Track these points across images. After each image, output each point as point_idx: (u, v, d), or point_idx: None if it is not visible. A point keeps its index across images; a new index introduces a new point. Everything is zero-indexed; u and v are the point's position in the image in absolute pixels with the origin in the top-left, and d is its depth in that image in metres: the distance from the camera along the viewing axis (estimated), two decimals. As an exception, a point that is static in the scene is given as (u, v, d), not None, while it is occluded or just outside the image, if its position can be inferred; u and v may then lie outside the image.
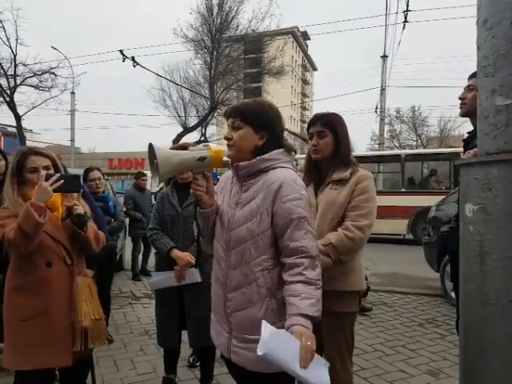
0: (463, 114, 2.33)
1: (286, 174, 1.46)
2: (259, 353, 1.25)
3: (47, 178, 1.85)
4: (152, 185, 6.36)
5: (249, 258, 1.44)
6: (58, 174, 1.89)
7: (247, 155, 1.50)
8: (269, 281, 1.43)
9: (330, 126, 1.99)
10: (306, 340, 1.27)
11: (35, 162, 1.99)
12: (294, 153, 1.60)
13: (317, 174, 2.05)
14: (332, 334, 1.93)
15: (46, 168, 1.99)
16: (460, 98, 2.31)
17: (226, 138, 1.52)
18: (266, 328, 1.31)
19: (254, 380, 1.49)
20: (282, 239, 1.42)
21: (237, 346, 1.48)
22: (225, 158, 1.49)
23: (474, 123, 2.28)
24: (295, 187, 1.44)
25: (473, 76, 2.25)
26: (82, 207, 1.98)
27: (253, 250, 1.44)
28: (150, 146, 1.43)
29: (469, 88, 2.24)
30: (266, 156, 1.48)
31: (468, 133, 2.37)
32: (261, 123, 1.49)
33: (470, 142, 2.30)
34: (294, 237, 1.40)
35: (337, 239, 1.85)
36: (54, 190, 1.84)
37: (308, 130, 2.07)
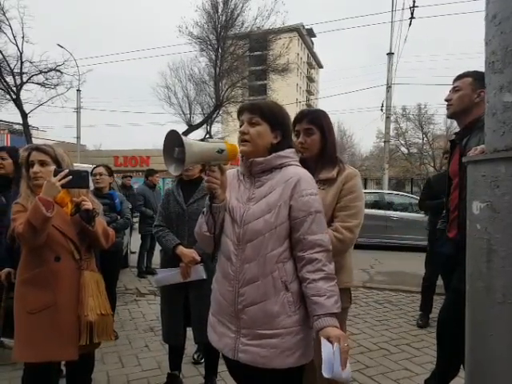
0: (450, 115, 2.32)
1: (302, 171, 1.54)
2: (327, 376, 1.28)
3: (55, 173, 1.88)
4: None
5: (265, 251, 1.45)
6: (67, 170, 1.92)
7: (261, 152, 1.54)
8: (284, 273, 1.46)
9: (318, 123, 1.93)
10: (343, 342, 1.32)
11: (34, 156, 2.06)
12: (300, 154, 1.71)
13: None
14: None
15: (41, 162, 2.04)
16: (446, 100, 2.29)
17: (242, 133, 1.53)
18: (327, 348, 1.32)
19: (265, 378, 1.47)
20: (299, 232, 1.46)
21: (247, 344, 1.46)
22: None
23: (460, 124, 2.28)
24: (312, 183, 1.52)
25: (459, 77, 2.24)
26: (90, 203, 2.02)
27: (270, 243, 1.46)
28: (174, 133, 1.40)
29: (455, 89, 2.23)
30: (281, 153, 1.54)
31: (455, 133, 2.35)
32: (277, 122, 1.55)
33: (456, 143, 2.29)
34: (312, 230, 1.45)
35: None
36: (63, 186, 1.88)
37: (294, 126, 1.96)
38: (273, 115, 1.55)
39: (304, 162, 1.90)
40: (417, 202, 5.62)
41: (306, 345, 1.48)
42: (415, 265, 6.53)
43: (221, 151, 1.46)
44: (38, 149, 2.09)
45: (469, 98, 2.16)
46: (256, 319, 1.45)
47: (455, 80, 2.27)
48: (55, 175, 1.87)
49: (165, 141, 1.42)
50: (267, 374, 1.45)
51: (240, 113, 1.59)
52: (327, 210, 1.85)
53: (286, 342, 1.43)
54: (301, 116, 1.97)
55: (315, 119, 1.94)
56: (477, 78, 2.12)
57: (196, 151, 1.39)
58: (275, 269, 1.45)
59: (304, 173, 1.54)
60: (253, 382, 1.57)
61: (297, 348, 1.43)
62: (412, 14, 15.11)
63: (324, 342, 1.33)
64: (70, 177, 1.90)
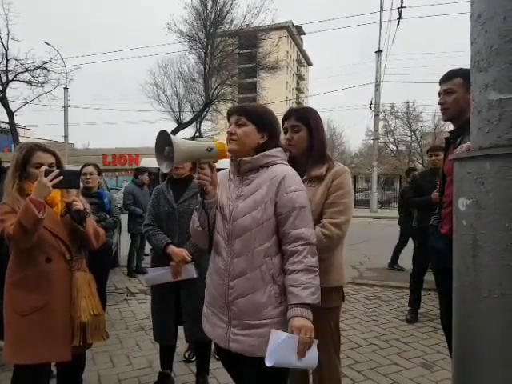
0: (446, 119, 2.32)
1: (287, 169, 1.61)
2: (268, 364, 1.38)
3: (46, 173, 1.86)
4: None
5: (253, 246, 1.53)
6: (58, 170, 1.90)
7: (248, 151, 1.62)
8: (271, 267, 1.53)
9: (304, 120, 1.94)
10: (304, 334, 1.40)
11: (41, 158, 2.01)
12: (288, 153, 1.74)
13: (294, 169, 1.85)
14: (317, 330, 1.91)
15: (51, 166, 2.00)
16: (440, 103, 2.27)
17: (230, 133, 1.62)
18: (274, 338, 1.42)
19: (253, 366, 1.54)
20: (284, 227, 1.53)
21: (237, 334, 1.55)
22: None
23: (455, 124, 2.28)
24: (297, 180, 1.59)
25: (448, 78, 2.22)
26: (81, 203, 2.00)
27: (257, 238, 1.53)
28: (164, 133, 1.48)
29: (446, 92, 2.22)
30: (268, 152, 1.61)
31: (450, 132, 2.37)
32: (263, 124, 1.63)
33: (451, 142, 2.30)
34: (296, 225, 1.51)
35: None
36: (54, 186, 1.86)
37: (283, 124, 2.00)
38: (259, 117, 1.63)
39: (293, 160, 1.91)
40: None
41: None
42: (403, 261, 6.61)
43: (210, 149, 1.53)
44: (45, 150, 2.04)
45: (463, 99, 2.13)
46: (245, 310, 1.54)
47: (443, 81, 2.25)
48: (46, 175, 1.85)
49: (156, 140, 1.51)
50: (256, 361, 1.50)
51: (228, 116, 1.68)
52: (316, 207, 1.86)
53: None
54: (289, 113, 1.99)
55: (302, 116, 1.94)
56: (467, 77, 2.13)
57: (184, 150, 1.46)
58: (263, 263, 1.53)
59: (289, 170, 1.60)
60: (244, 372, 1.64)
61: None
62: (400, 14, 15.29)
63: (273, 332, 1.43)
64: (61, 177, 1.88)
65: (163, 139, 1.48)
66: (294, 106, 2.19)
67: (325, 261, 1.86)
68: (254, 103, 1.81)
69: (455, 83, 2.19)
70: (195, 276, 2.54)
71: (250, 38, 23.61)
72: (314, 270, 1.50)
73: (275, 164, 1.61)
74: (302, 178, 1.89)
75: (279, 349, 1.39)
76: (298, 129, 1.93)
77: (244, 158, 1.61)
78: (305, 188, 1.62)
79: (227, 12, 22.11)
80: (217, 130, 26.82)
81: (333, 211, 1.85)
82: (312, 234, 1.54)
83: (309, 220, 1.56)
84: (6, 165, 3.13)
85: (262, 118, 1.63)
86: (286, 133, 1.98)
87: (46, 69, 19.06)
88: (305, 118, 1.94)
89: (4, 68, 18.19)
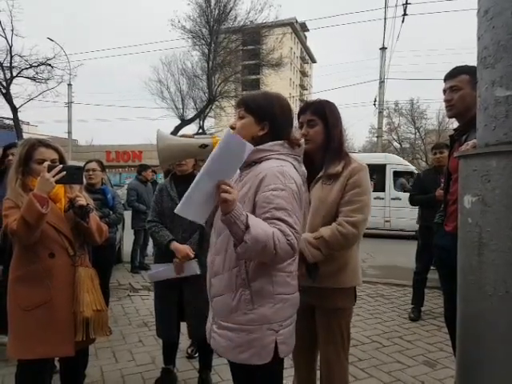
0: (452, 116, 2.29)
1: (274, 165, 1.44)
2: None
3: (49, 169, 1.86)
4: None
5: (228, 245, 1.45)
6: (61, 166, 1.91)
7: None
8: (244, 271, 1.43)
9: (321, 114, 1.87)
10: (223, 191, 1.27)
11: (44, 153, 2.02)
12: (297, 146, 1.56)
13: (309, 165, 1.77)
14: (327, 330, 1.91)
15: (54, 162, 2.00)
16: (446, 100, 2.25)
17: (231, 127, 1.54)
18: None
19: (232, 367, 1.55)
20: None
21: (215, 332, 1.52)
22: None
23: (460, 121, 2.27)
24: (280, 178, 1.40)
25: (453, 76, 2.21)
26: (84, 199, 2.01)
27: (232, 238, 1.40)
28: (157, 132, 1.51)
29: (453, 89, 2.20)
30: (260, 147, 1.47)
31: (454, 129, 2.35)
32: (263, 114, 1.50)
33: (456, 139, 2.29)
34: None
35: (330, 234, 1.77)
36: (57, 182, 1.87)
37: (298, 118, 1.93)
38: (257, 107, 1.50)
39: (308, 156, 1.79)
40: None
41: (262, 346, 1.44)
42: (407, 259, 6.59)
43: (204, 146, 1.50)
44: (48, 146, 2.04)
45: (470, 96, 2.11)
46: (218, 310, 1.51)
47: (449, 78, 2.23)
48: (49, 171, 1.85)
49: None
50: (234, 365, 1.51)
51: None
52: (331, 207, 1.82)
53: (240, 337, 1.44)
54: (305, 107, 1.93)
55: (318, 110, 1.87)
56: (473, 74, 2.12)
57: (167, 148, 1.49)
58: (236, 264, 1.44)
59: (275, 167, 1.43)
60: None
61: (250, 346, 1.42)
62: (405, 10, 15.20)
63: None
64: (64, 172, 1.88)
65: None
66: (311, 99, 2.03)
67: (339, 260, 1.85)
68: (258, 92, 1.66)
69: (461, 80, 2.17)
70: (198, 273, 2.54)
71: (253, 35, 23.51)
72: (269, 241, 1.30)
73: (269, 159, 1.47)
74: (317, 175, 1.86)
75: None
76: (314, 123, 1.87)
77: None
78: (292, 187, 1.42)
79: (231, 8, 22.03)
80: (220, 126, 26.80)
81: (349, 209, 1.79)
82: (278, 236, 1.33)
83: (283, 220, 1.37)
84: None
85: (260, 108, 1.50)
86: (301, 127, 1.92)
87: (49, 65, 19.03)
88: (321, 111, 1.87)
89: (8, 64, 18.18)
